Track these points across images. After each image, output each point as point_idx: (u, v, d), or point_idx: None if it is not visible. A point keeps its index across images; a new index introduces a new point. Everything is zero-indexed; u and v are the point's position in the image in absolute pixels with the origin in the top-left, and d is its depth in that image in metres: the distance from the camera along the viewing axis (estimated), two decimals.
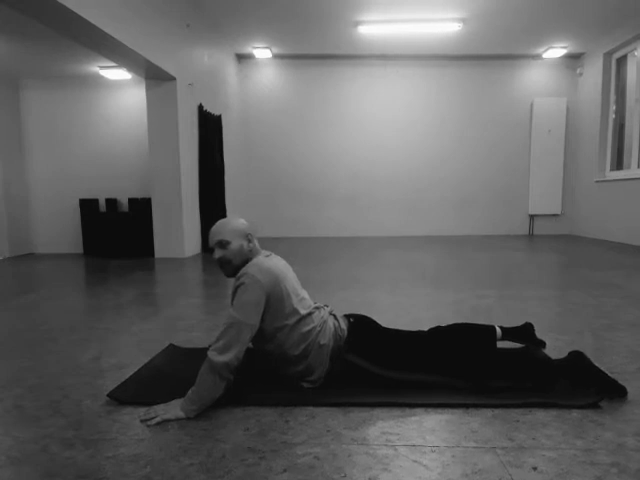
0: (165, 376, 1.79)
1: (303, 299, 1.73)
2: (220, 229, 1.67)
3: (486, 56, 7.54)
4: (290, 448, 1.30)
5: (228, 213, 6.68)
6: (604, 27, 6.34)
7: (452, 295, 3.22)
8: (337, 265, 4.68)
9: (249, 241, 1.71)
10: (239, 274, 1.61)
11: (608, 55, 6.82)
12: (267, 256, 1.73)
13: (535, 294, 3.22)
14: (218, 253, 1.66)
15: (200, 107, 5.81)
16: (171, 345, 2.17)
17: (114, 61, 4.49)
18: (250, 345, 1.56)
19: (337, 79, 7.66)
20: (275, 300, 1.60)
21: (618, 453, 1.26)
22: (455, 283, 3.65)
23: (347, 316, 1.86)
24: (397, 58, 7.55)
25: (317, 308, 1.76)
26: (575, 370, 1.67)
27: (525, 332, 2.08)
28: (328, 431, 1.39)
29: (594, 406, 1.51)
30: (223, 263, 1.67)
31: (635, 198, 6.07)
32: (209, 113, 6.02)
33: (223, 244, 1.66)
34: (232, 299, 1.62)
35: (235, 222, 1.70)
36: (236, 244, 1.66)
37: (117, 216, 6.25)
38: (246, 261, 1.69)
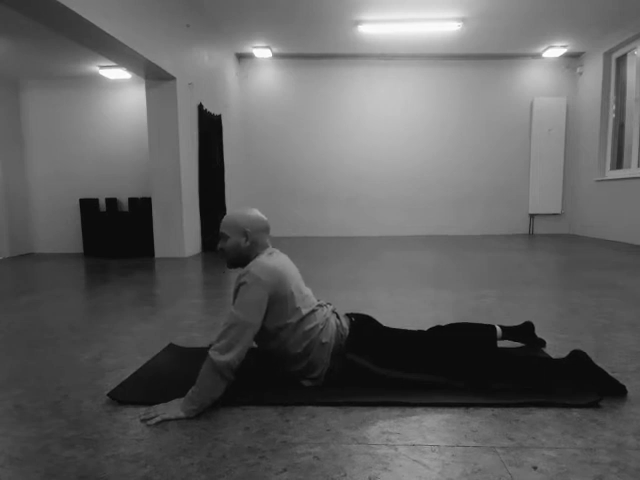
0: (165, 376, 1.79)
1: (306, 297, 1.72)
2: (224, 222, 1.73)
3: (486, 55, 7.54)
4: (290, 448, 1.30)
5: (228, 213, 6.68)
6: (604, 27, 6.33)
7: (452, 295, 3.21)
8: (337, 265, 4.68)
9: (246, 239, 1.70)
10: (241, 272, 1.61)
11: (608, 54, 6.82)
12: (270, 254, 1.71)
13: (535, 294, 3.22)
14: (220, 244, 1.74)
15: (200, 107, 5.81)
16: (171, 345, 2.17)
17: (114, 61, 4.49)
18: (253, 344, 1.56)
19: (337, 78, 7.66)
20: (278, 299, 1.59)
21: (618, 452, 1.26)
22: (455, 283, 3.64)
23: (349, 315, 1.86)
24: (397, 58, 7.55)
25: (320, 306, 1.76)
26: (575, 369, 1.67)
27: (525, 331, 2.08)
28: (328, 430, 1.39)
29: (594, 405, 1.51)
30: (221, 254, 1.75)
31: (635, 197, 6.07)
32: (209, 113, 6.02)
33: (222, 237, 1.72)
34: (234, 298, 1.62)
35: (239, 217, 1.70)
36: (233, 240, 1.69)
37: (117, 216, 6.25)
38: (244, 257, 1.70)
